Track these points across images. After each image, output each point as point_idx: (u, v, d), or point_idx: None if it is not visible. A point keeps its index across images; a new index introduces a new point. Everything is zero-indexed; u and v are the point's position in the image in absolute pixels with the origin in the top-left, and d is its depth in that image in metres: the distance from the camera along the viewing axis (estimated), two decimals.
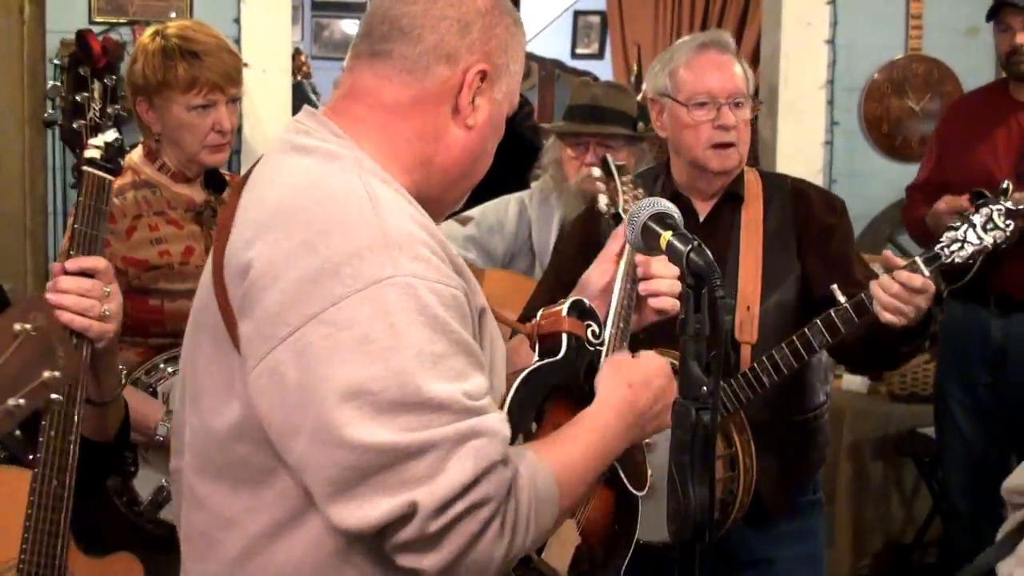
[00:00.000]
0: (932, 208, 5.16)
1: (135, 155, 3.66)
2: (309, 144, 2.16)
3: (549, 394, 2.31)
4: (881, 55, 6.49)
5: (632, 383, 2.28)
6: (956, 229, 3.41)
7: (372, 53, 2.21)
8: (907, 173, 5.73)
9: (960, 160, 5.36)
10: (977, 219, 3.42)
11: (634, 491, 2.36)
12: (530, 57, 11.38)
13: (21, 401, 1.65)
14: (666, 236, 1.88)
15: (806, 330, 3.37)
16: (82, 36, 2.40)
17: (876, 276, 3.38)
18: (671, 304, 2.31)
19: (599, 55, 11.62)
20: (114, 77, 2.41)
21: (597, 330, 2.43)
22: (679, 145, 3.60)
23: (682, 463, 1.73)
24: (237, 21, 5.90)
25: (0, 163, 5.78)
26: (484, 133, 2.24)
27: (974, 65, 5.58)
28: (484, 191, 3.15)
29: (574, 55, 11.77)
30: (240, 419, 2.03)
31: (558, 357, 2.35)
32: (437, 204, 2.28)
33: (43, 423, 2.32)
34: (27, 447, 2.36)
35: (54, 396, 1.70)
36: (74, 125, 2.35)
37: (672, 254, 1.85)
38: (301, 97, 9.74)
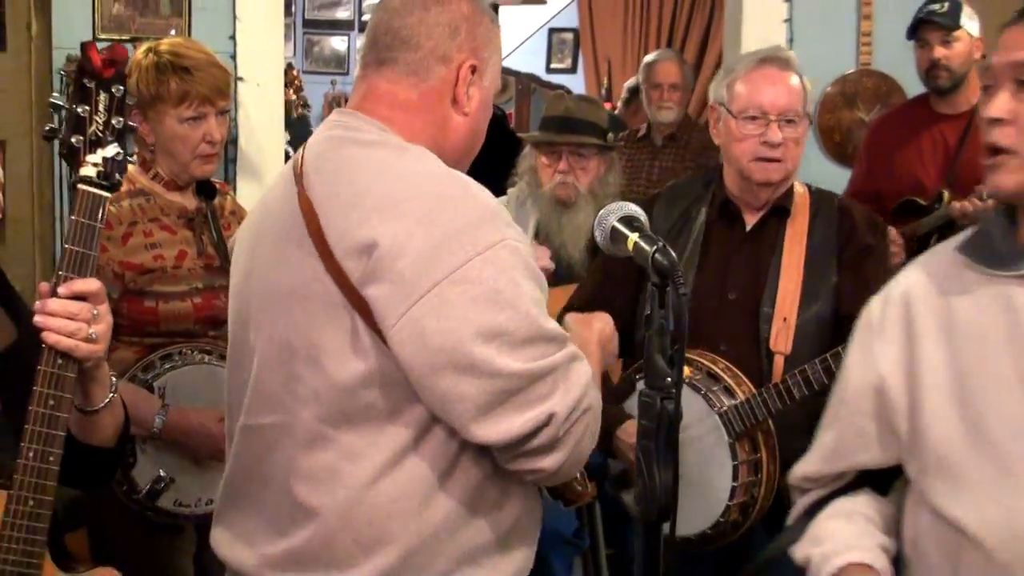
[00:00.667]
0: None
1: (131, 167, 3.62)
2: (372, 139, 2.41)
3: None
4: (834, 70, 6.49)
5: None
6: None
7: (380, 61, 2.47)
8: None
9: (890, 171, 5.39)
10: None
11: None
12: (508, 72, 11.41)
13: None
14: (632, 237, 1.89)
15: (840, 349, 3.24)
16: (85, 48, 2.36)
17: None
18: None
19: (572, 70, 11.61)
20: (121, 88, 2.33)
21: None
22: (729, 154, 3.60)
23: (648, 449, 1.74)
24: (233, 38, 5.87)
25: (10, 172, 5.74)
26: (478, 116, 2.53)
27: (919, 78, 5.58)
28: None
29: (549, 70, 11.77)
30: (366, 370, 2.27)
31: None
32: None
33: (22, 444, 2.26)
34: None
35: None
36: (72, 140, 2.29)
37: (638, 254, 1.86)
38: (303, 130, 9.76)
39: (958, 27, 5.20)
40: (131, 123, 3.48)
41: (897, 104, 6.14)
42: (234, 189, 5.68)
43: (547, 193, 4.51)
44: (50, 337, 2.23)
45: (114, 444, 2.48)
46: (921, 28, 5.28)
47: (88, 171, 2.27)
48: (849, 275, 3.55)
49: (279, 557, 2.37)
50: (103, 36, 5.81)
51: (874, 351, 2.32)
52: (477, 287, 2.19)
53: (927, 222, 5.09)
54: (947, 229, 5.03)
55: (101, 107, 2.30)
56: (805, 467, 2.44)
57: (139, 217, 3.58)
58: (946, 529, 2.20)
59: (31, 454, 2.26)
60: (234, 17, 5.92)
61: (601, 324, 2.68)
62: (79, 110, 2.29)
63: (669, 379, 1.75)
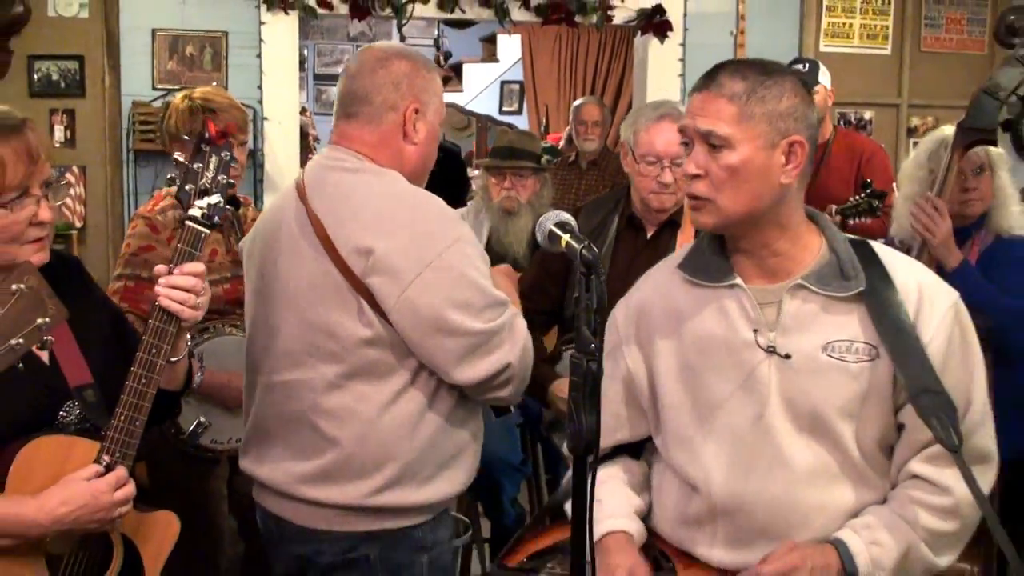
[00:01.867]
0: None
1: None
2: (355, 167, 2.54)
3: None
4: None
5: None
6: None
7: (347, 115, 2.60)
8: None
9: None
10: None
11: None
12: (470, 113, 11.42)
13: (20, 340, 1.65)
14: (565, 238, 1.88)
15: None
16: (205, 121, 2.41)
17: None
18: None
19: (519, 112, 11.61)
20: (228, 153, 2.34)
21: None
22: (634, 184, 3.57)
23: (577, 399, 1.73)
24: (260, 87, 5.93)
25: (90, 189, 5.83)
26: (426, 143, 2.62)
27: None
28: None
29: (501, 112, 11.76)
30: (371, 336, 2.44)
31: None
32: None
33: (132, 369, 2.20)
34: (108, 419, 2.22)
35: (47, 338, 1.70)
36: (186, 187, 2.29)
37: (570, 250, 1.85)
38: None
39: (817, 83, 5.27)
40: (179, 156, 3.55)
41: None
42: (260, 202, 5.80)
43: (496, 205, 4.59)
44: (164, 301, 2.24)
45: (181, 388, 2.46)
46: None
47: (195, 212, 2.28)
48: None
49: (309, 474, 2.51)
50: (160, 87, 5.90)
51: (622, 351, 2.32)
52: (449, 272, 2.40)
53: None
54: None
55: (212, 165, 2.31)
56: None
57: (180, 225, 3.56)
58: (682, 485, 2.24)
59: (135, 374, 2.22)
60: (260, 72, 5.97)
61: (507, 270, 3.03)
62: (194, 166, 2.30)
63: (593, 345, 1.73)
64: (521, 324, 2.54)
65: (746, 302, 2.15)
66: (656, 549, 2.27)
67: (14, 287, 1.64)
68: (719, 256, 2.22)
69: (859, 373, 2.11)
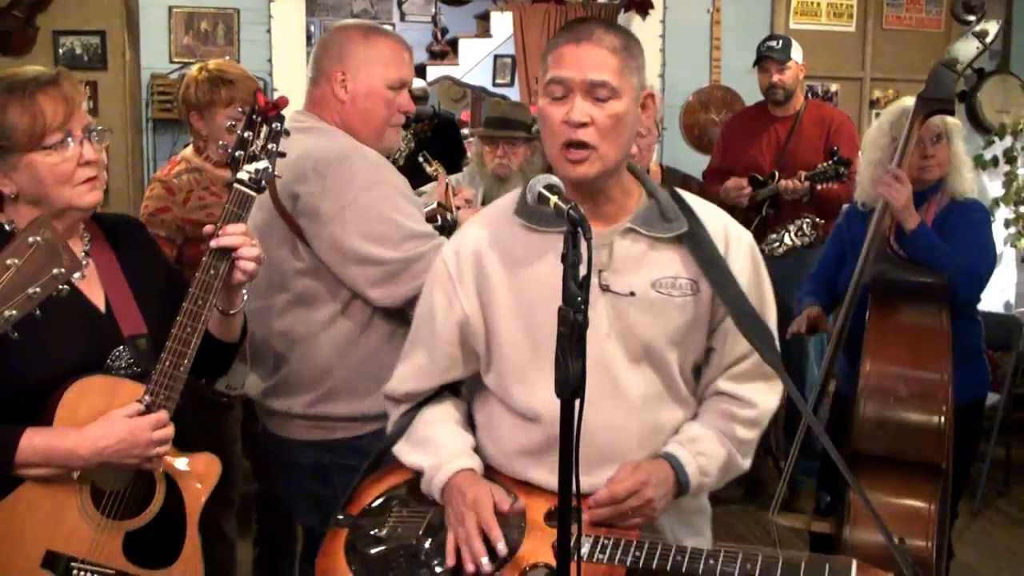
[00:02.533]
0: (723, 185, 5.23)
1: (188, 151, 3.72)
2: (307, 126, 2.71)
3: None
4: (694, 84, 6.54)
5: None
6: (778, 233, 3.44)
7: (312, 80, 2.84)
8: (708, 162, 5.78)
9: (738, 156, 5.43)
10: (792, 227, 3.45)
11: None
12: (465, 85, 11.34)
13: (37, 289, 1.64)
14: (554, 199, 1.87)
15: None
16: (255, 93, 2.46)
17: None
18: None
19: (511, 84, 11.54)
20: (280, 125, 2.34)
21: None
22: None
23: (564, 347, 1.73)
24: (270, 61, 5.93)
25: (112, 156, 5.82)
26: (357, 102, 2.76)
27: (753, 92, 5.63)
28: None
29: (494, 84, 11.68)
30: (306, 268, 2.65)
31: None
32: (374, 146, 2.80)
33: (177, 318, 2.18)
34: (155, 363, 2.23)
35: (62, 287, 1.70)
36: (236, 153, 2.28)
37: (557, 211, 1.84)
38: None
39: (789, 59, 5.29)
40: (191, 121, 3.54)
41: (739, 109, 6.20)
42: None
43: (489, 171, 4.61)
44: (235, 253, 2.23)
45: (237, 340, 2.45)
46: (762, 60, 5.37)
47: (243, 175, 2.27)
48: None
49: (270, 388, 2.78)
50: (177, 60, 5.90)
51: (457, 294, 2.22)
52: (366, 211, 2.58)
53: (762, 193, 5.19)
54: (776, 198, 5.10)
55: (262, 134, 2.31)
56: (406, 385, 2.32)
57: (194, 187, 3.59)
58: (517, 418, 2.22)
59: (186, 310, 2.20)
60: (270, 46, 5.98)
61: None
62: (245, 134, 2.30)
63: (579, 298, 1.73)
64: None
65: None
66: (494, 482, 2.23)
67: (31, 239, 1.64)
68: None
69: (683, 306, 2.17)
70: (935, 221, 3.55)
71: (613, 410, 1.93)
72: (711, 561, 1.99)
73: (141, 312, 2.28)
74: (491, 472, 2.26)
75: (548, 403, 2.11)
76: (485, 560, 2.02)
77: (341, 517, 2.25)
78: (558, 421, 2.10)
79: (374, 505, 2.26)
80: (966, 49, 3.36)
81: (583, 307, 1.74)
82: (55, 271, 1.67)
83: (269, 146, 2.31)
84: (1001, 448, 5.76)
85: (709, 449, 2.19)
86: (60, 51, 5.77)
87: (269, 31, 5.94)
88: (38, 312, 1.68)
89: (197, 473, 2.30)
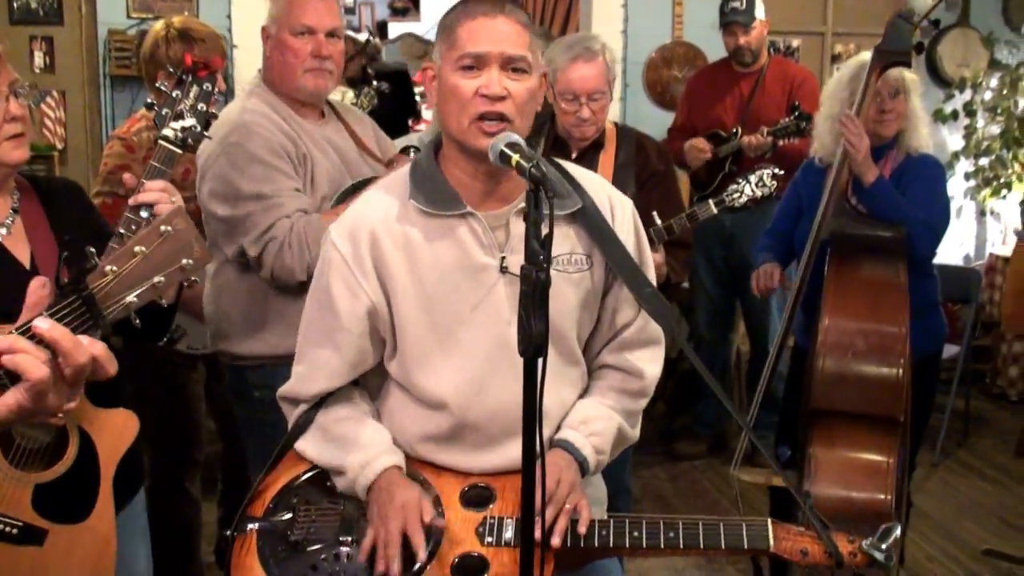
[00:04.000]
0: (687, 144, 5.24)
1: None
2: (247, 89, 3.04)
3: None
4: (656, 41, 6.53)
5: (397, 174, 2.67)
6: (739, 184, 3.46)
7: None
8: (672, 119, 5.77)
9: (703, 112, 5.43)
10: (753, 178, 3.46)
11: None
12: (428, 43, 11.22)
13: (162, 279, 1.63)
14: (515, 157, 1.86)
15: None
16: (183, 53, 2.65)
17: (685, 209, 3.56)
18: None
19: None
20: (209, 85, 2.30)
21: None
22: (559, 116, 3.53)
23: (527, 306, 1.73)
24: (229, 16, 5.84)
25: (70, 112, 5.79)
26: (275, 55, 2.96)
27: (716, 48, 5.62)
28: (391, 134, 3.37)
29: None
30: (205, 219, 2.93)
31: None
32: (292, 99, 2.98)
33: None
34: None
35: (194, 278, 1.69)
36: (163, 111, 2.26)
37: (519, 169, 1.84)
38: None
39: (754, 19, 5.28)
40: (159, 79, 3.50)
41: (703, 65, 6.19)
42: None
43: None
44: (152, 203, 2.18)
45: (172, 301, 2.40)
46: (728, 24, 5.34)
47: (168, 132, 2.25)
48: (643, 193, 3.48)
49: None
50: (134, 15, 5.81)
51: (360, 283, 2.14)
52: (217, 170, 2.83)
53: (725, 148, 5.22)
54: (739, 154, 5.13)
55: (191, 94, 2.28)
56: (315, 387, 2.22)
57: (155, 144, 3.53)
58: (421, 404, 2.19)
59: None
60: (229, 2, 5.89)
61: None
62: (174, 93, 2.28)
63: (541, 256, 1.73)
64: (283, 221, 2.80)
65: (478, 228, 2.12)
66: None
67: (162, 228, 1.62)
68: (443, 183, 2.15)
69: (579, 281, 2.19)
70: (892, 176, 3.57)
71: (516, 391, 1.88)
72: (635, 533, 2.04)
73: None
74: None
75: (453, 390, 2.14)
76: (396, 565, 1.98)
77: (248, 519, 2.16)
78: (463, 409, 2.14)
79: (276, 504, 2.18)
80: (923, 0, 3.38)
81: (546, 265, 1.74)
82: (184, 261, 1.65)
83: (199, 106, 2.28)
84: (960, 400, 5.84)
85: (601, 428, 2.22)
86: (15, 5, 5.67)
87: None
88: (163, 301, 1.66)
89: (113, 429, 2.21)
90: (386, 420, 2.26)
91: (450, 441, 2.18)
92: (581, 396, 2.29)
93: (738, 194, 3.46)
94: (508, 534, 2.05)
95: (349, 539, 2.08)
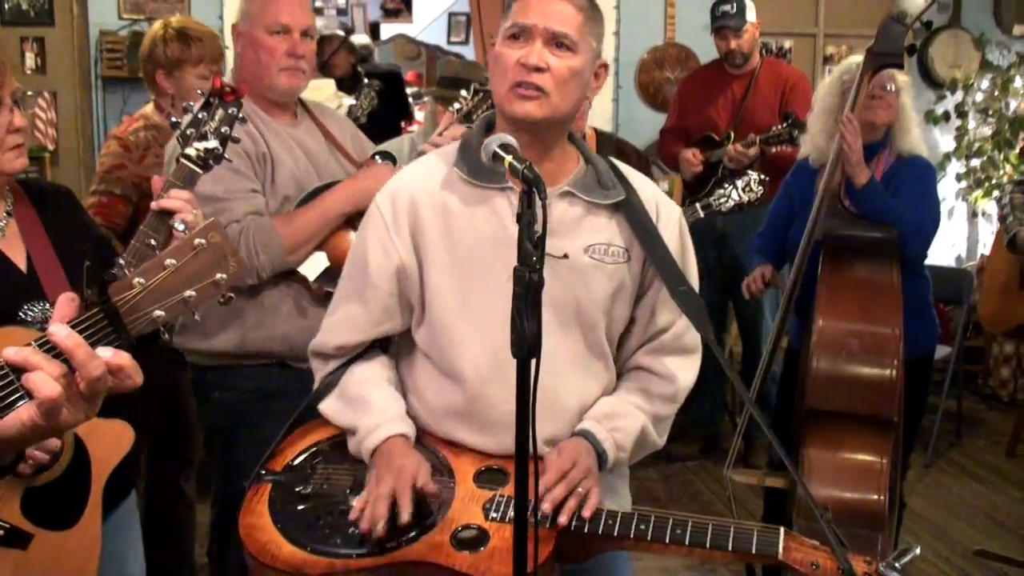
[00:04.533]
0: (680, 154, 5.23)
1: (148, 108, 3.70)
2: None
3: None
4: (648, 42, 6.52)
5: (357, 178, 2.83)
6: (725, 188, 3.44)
7: None
8: (664, 120, 5.77)
9: (695, 114, 5.43)
10: (740, 183, 3.44)
11: None
12: (419, 43, 11.25)
13: (193, 293, 1.57)
14: (508, 158, 1.85)
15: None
16: (213, 77, 2.51)
17: None
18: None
19: (465, 42, 11.47)
20: (237, 110, 2.33)
21: None
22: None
23: (519, 307, 1.72)
24: (221, 18, 5.81)
25: (61, 114, 5.76)
26: (247, 54, 2.90)
27: (708, 49, 5.62)
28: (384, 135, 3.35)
29: (449, 42, 11.61)
30: None
31: None
32: (262, 99, 2.92)
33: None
34: None
35: (229, 294, 1.63)
36: (187, 131, 2.28)
37: (512, 170, 1.83)
38: None
39: (745, 22, 5.27)
40: (156, 80, 3.52)
41: (695, 67, 6.18)
42: None
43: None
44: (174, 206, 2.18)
45: None
46: (719, 29, 5.33)
47: (191, 152, 2.25)
48: None
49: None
50: (125, 16, 5.80)
51: (394, 242, 2.17)
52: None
53: (717, 153, 5.21)
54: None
55: (216, 116, 2.30)
56: (338, 338, 2.26)
57: (152, 144, 3.57)
58: (443, 376, 2.20)
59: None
60: (221, 2, 5.88)
61: None
62: (199, 114, 2.30)
63: (535, 258, 1.72)
64: (232, 226, 2.73)
65: (516, 202, 2.06)
66: (422, 442, 2.23)
67: (196, 242, 1.57)
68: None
69: (614, 273, 2.18)
70: (883, 177, 3.57)
71: (540, 372, 1.91)
72: (642, 526, 2.03)
73: (68, 278, 2.24)
74: (420, 432, 2.24)
75: (473, 364, 2.15)
76: (381, 523, 1.99)
77: (264, 473, 2.21)
78: (483, 383, 2.14)
79: (297, 461, 2.24)
80: (914, 2, 3.37)
81: (539, 267, 1.73)
82: (218, 276, 1.59)
83: (222, 129, 2.30)
84: (952, 400, 5.84)
85: (624, 424, 2.20)
86: (5, 5, 5.65)
87: None
88: (196, 316, 1.62)
89: (109, 440, 2.20)
90: (412, 392, 2.27)
91: (468, 417, 2.18)
92: (604, 393, 2.27)
93: (725, 199, 3.45)
94: (513, 512, 2.03)
95: (356, 497, 2.10)
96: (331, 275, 3.20)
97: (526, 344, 1.74)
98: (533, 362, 1.75)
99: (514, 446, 2.07)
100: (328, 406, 2.26)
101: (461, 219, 2.15)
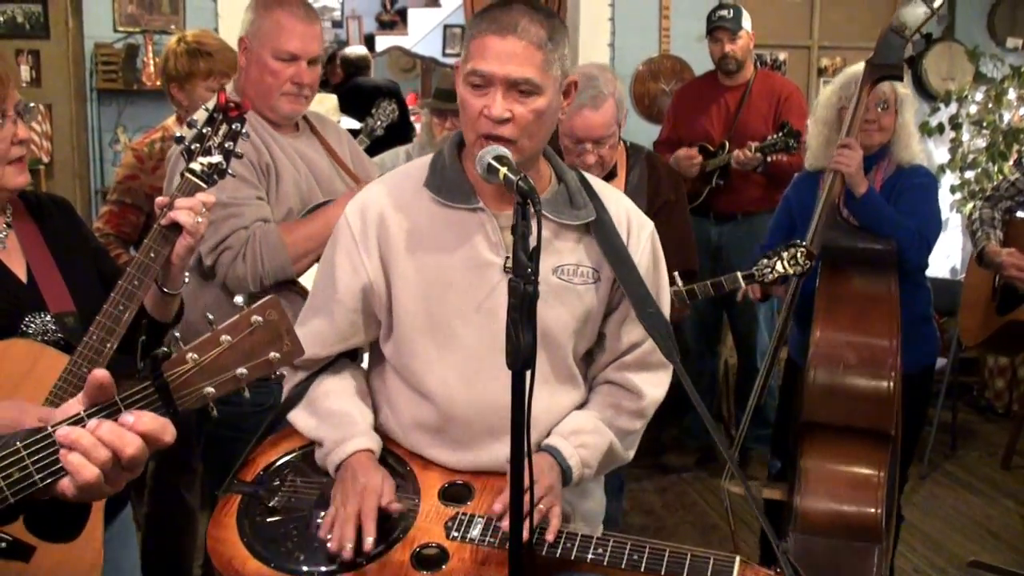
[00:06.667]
0: (674, 155, 5.21)
1: (169, 120, 3.77)
2: None
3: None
4: (643, 54, 6.52)
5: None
6: (770, 258, 3.35)
7: None
8: (658, 131, 5.76)
9: (689, 125, 5.43)
10: (786, 255, 3.34)
11: None
12: (415, 55, 11.25)
13: (245, 370, 1.52)
14: (503, 170, 1.84)
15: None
16: (218, 94, 2.39)
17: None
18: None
19: (460, 55, 11.52)
20: (240, 126, 2.32)
21: None
22: (564, 153, 3.38)
23: (515, 319, 1.70)
24: (216, 30, 5.77)
25: (56, 126, 5.73)
26: (251, 72, 2.87)
27: (702, 61, 5.62)
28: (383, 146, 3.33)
29: (444, 54, 11.62)
30: None
31: None
32: (266, 114, 2.90)
33: (111, 295, 2.10)
34: None
35: (281, 371, 1.58)
36: (192, 146, 2.28)
37: (507, 182, 1.81)
38: None
39: (741, 28, 5.28)
40: (171, 93, 3.55)
41: (689, 78, 6.19)
42: None
43: (439, 143, 4.48)
44: (182, 219, 2.14)
45: (171, 321, 2.36)
46: (714, 30, 5.34)
47: (196, 167, 2.24)
48: (658, 224, 3.40)
49: None
50: (121, 29, 5.79)
51: (362, 259, 2.16)
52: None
53: (713, 163, 5.22)
54: (726, 169, 5.12)
55: (220, 132, 2.30)
56: (308, 351, 2.15)
57: (165, 155, 3.55)
58: (413, 392, 2.20)
59: (114, 300, 2.12)
60: (216, 15, 5.86)
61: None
62: (204, 129, 2.30)
63: (529, 270, 1.70)
64: (240, 232, 2.75)
65: (488, 226, 2.11)
66: (391, 453, 2.23)
67: (253, 319, 1.53)
68: (462, 177, 2.15)
69: (584, 294, 2.17)
70: (882, 188, 3.56)
71: (506, 392, 1.85)
72: (599, 550, 2.02)
73: (69, 289, 2.23)
74: (389, 443, 2.24)
75: (441, 383, 2.15)
76: (349, 546, 1.99)
77: (235, 482, 2.22)
78: (450, 402, 2.15)
79: (267, 472, 2.24)
80: (914, 14, 3.36)
81: (533, 279, 1.71)
82: (272, 354, 1.55)
83: (226, 144, 2.30)
84: (947, 412, 5.83)
85: (591, 441, 2.20)
86: (1, 19, 5.64)
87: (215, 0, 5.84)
88: (247, 393, 1.57)
89: None
90: (382, 400, 2.28)
91: (437, 433, 2.18)
92: (574, 408, 2.26)
93: (769, 270, 3.36)
94: (474, 532, 2.06)
95: (322, 513, 2.11)
96: None
97: (521, 355, 1.73)
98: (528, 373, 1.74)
99: (482, 461, 2.15)
100: (296, 416, 2.26)
101: (430, 240, 2.14)
